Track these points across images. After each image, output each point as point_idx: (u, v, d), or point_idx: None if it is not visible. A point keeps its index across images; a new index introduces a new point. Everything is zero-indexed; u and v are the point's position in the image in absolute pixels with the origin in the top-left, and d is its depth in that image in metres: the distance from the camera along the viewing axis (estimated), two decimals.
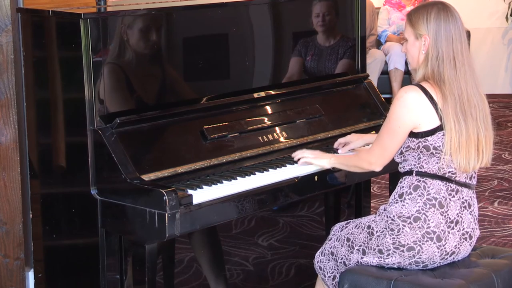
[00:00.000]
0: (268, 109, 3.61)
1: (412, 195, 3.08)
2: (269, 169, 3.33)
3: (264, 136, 3.49)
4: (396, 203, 3.10)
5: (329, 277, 3.22)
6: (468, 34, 7.86)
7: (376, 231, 3.11)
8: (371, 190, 5.02)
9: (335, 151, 3.56)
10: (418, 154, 3.08)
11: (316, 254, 3.28)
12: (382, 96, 4.02)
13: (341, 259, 3.18)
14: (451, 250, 3.09)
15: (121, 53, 3.20)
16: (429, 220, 3.05)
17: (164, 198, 2.89)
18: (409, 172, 3.11)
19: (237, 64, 3.62)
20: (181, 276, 3.58)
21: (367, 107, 3.93)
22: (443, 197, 3.07)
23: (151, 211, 2.94)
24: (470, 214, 3.13)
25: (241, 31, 3.63)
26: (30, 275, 3.58)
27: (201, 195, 3.03)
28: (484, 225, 5.04)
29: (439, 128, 3.04)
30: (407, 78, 7.91)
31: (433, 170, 3.07)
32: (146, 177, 3.06)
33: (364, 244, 3.13)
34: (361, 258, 3.13)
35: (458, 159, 3.04)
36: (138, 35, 3.24)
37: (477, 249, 3.25)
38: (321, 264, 3.25)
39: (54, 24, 3.22)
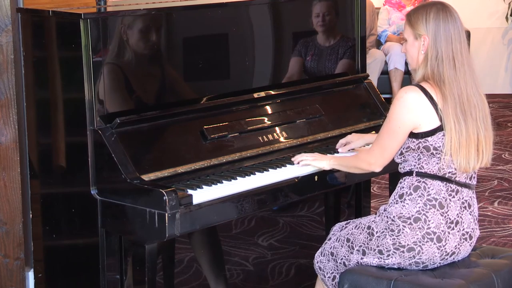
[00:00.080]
0: (268, 109, 3.61)
1: (412, 196, 3.08)
2: (269, 169, 3.33)
3: (264, 136, 3.49)
4: (396, 203, 3.10)
5: (329, 277, 3.22)
6: (468, 34, 7.86)
7: (376, 232, 3.11)
8: (371, 190, 5.02)
9: (335, 151, 3.56)
10: (418, 154, 3.08)
11: (316, 255, 3.28)
12: (382, 96, 4.02)
13: (341, 259, 3.18)
14: (451, 250, 3.09)
15: (121, 53, 3.20)
16: (429, 221, 3.05)
17: (164, 198, 2.89)
18: (409, 173, 3.11)
19: (237, 64, 3.62)
20: (181, 276, 3.58)
21: (367, 107, 3.93)
22: (443, 197, 3.07)
23: (151, 211, 2.94)
24: (470, 214, 3.13)
25: (241, 31, 3.63)
26: (30, 275, 3.58)
27: (201, 195, 3.03)
28: (484, 225, 5.04)
29: (439, 129, 3.04)
30: (407, 78, 7.91)
31: (433, 171, 3.07)
32: (146, 177, 3.06)
33: (364, 244, 3.13)
34: (361, 258, 3.13)
35: (458, 159, 3.04)
36: (138, 35, 3.24)
37: (477, 249, 3.25)
38: (320, 265, 3.25)
39: (54, 24, 3.22)
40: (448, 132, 3.03)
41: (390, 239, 3.06)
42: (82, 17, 3.07)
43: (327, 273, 3.23)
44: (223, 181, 3.17)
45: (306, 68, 3.87)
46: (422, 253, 3.05)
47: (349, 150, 3.54)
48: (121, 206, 3.05)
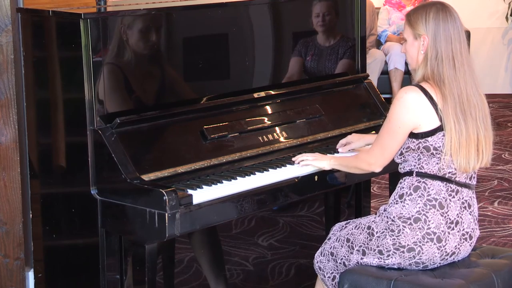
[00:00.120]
0: (268, 109, 3.61)
1: (412, 196, 3.08)
2: (269, 169, 3.33)
3: (264, 136, 3.49)
4: (396, 204, 3.10)
5: (329, 277, 3.22)
6: (468, 34, 7.86)
7: (376, 232, 3.11)
8: (371, 190, 5.02)
9: (335, 151, 3.56)
10: (418, 154, 3.08)
11: (316, 255, 3.28)
12: (382, 96, 4.02)
13: (341, 259, 3.18)
14: (451, 250, 3.09)
15: (121, 53, 3.20)
16: (429, 221, 3.05)
17: (164, 198, 2.89)
18: (409, 173, 3.11)
19: (237, 64, 3.62)
20: (181, 276, 3.58)
21: (367, 107, 3.93)
22: (443, 197, 3.07)
23: (151, 211, 2.94)
24: (470, 214, 3.13)
25: (241, 31, 3.63)
26: (30, 275, 3.58)
27: (201, 195, 3.03)
28: (484, 225, 5.04)
29: (439, 129, 3.04)
30: (407, 78, 7.91)
31: (433, 171, 3.07)
32: (146, 177, 3.06)
33: (364, 244, 3.13)
34: (361, 258, 3.13)
35: (458, 159, 3.04)
36: (138, 35, 3.24)
37: (477, 249, 3.25)
38: (320, 265, 3.25)
39: (54, 24, 3.22)
40: (448, 132, 3.02)
41: (390, 239, 3.06)
42: (82, 17, 3.07)
43: (327, 273, 3.23)
44: (223, 181, 3.17)
45: (306, 68, 3.87)
46: (422, 253, 3.05)
47: (349, 150, 3.54)
48: (121, 206, 3.05)
